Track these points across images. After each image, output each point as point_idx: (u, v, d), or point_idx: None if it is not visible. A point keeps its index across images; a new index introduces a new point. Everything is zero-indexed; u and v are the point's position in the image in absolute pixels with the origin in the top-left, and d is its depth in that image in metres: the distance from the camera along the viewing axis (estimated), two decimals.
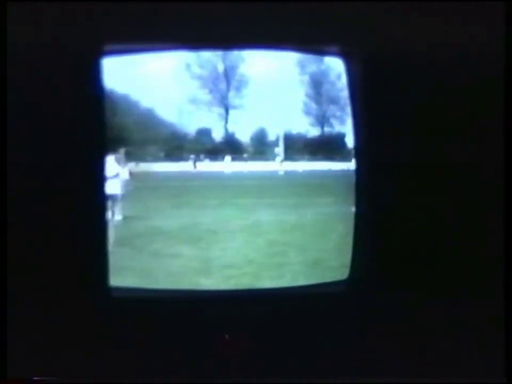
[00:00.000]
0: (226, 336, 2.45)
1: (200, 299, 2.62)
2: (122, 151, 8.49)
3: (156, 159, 12.69)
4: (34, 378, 2.22)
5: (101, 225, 2.39)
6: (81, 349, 2.35)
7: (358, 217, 2.53)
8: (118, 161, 7.89)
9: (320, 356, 2.43)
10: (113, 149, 8.03)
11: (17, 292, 2.26)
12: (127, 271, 5.10)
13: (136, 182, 9.40)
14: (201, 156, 13.28)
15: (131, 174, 9.19)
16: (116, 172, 7.67)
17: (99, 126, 2.38)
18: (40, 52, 2.26)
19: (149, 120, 12.54)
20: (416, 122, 2.40)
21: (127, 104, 11.68)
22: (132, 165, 9.99)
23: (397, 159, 2.41)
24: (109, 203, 6.49)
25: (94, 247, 2.37)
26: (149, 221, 8.15)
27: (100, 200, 2.39)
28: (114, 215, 7.59)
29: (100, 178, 2.39)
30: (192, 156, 13.23)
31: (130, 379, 2.36)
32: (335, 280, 2.61)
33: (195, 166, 13.28)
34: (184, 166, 13.13)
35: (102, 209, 2.39)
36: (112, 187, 7.09)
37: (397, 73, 2.38)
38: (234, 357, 2.41)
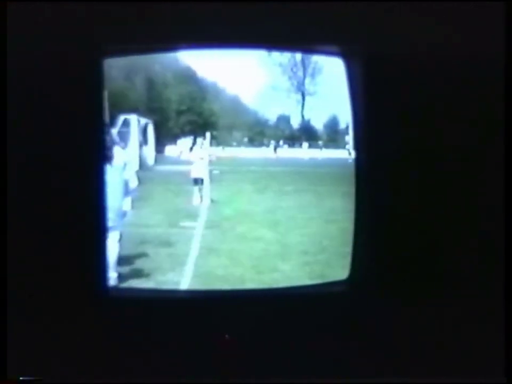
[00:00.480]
0: (226, 336, 2.45)
1: (200, 299, 2.62)
2: (208, 135, 9.43)
3: (240, 144, 12.97)
4: (34, 378, 2.22)
5: (101, 225, 2.39)
6: (81, 349, 2.35)
7: (358, 217, 2.53)
8: (202, 145, 8.78)
9: (320, 356, 2.43)
10: (202, 133, 9.65)
11: (16, 292, 2.26)
12: (215, 252, 5.80)
13: (222, 166, 10.13)
14: (281, 142, 13.17)
15: (217, 158, 10.02)
16: (201, 156, 8.54)
17: (99, 125, 2.38)
18: (40, 53, 2.26)
19: (234, 106, 12.92)
20: (416, 121, 2.40)
21: (215, 91, 12.46)
22: (218, 149, 11.31)
23: (397, 157, 2.41)
24: (197, 187, 8.36)
25: (94, 246, 2.37)
26: (234, 205, 8.46)
27: (99, 200, 2.38)
28: (203, 199, 8.34)
29: (100, 178, 2.39)
30: (272, 142, 13.19)
31: (130, 379, 2.36)
32: (335, 280, 2.61)
33: (275, 152, 13.18)
34: (266, 152, 13.16)
35: (102, 209, 2.39)
36: (198, 171, 8.42)
37: (397, 73, 2.38)
38: (234, 357, 2.41)
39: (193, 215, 7.55)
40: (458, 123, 2.41)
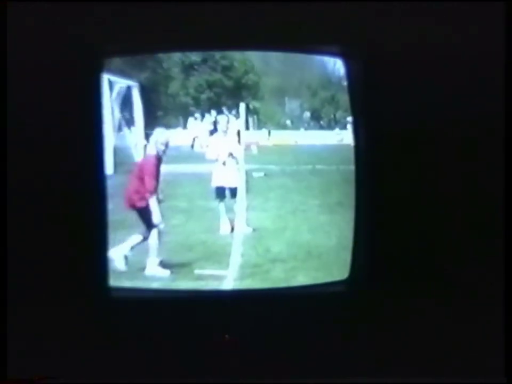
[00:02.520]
0: (226, 336, 2.45)
1: (200, 299, 2.62)
2: (242, 108, 4.62)
3: (299, 122, 6.65)
4: (34, 378, 2.22)
5: (101, 225, 2.39)
6: (81, 349, 2.36)
7: (358, 217, 2.53)
8: (229, 128, 4.74)
9: (320, 356, 2.43)
10: (230, 106, 5.19)
11: (17, 292, 2.26)
12: None
13: (269, 165, 5.75)
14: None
15: (259, 149, 5.50)
16: (230, 149, 4.69)
17: (99, 125, 2.38)
18: (40, 53, 2.26)
19: (285, 56, 10.24)
20: (416, 121, 2.40)
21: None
22: (260, 135, 5.79)
23: (397, 157, 2.41)
24: (223, 204, 4.62)
25: (94, 247, 2.37)
26: (291, 235, 4.66)
27: (100, 201, 2.38)
28: (235, 224, 4.61)
29: (101, 178, 2.39)
30: (349, 119, 12.20)
31: (130, 379, 2.36)
32: (335, 280, 2.61)
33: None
34: (341, 135, 11.23)
35: (102, 210, 2.39)
36: (225, 175, 4.64)
37: (397, 72, 2.38)
38: (234, 357, 2.41)
39: (218, 256, 4.08)
40: (458, 123, 2.41)
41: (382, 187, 2.44)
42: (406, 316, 2.45)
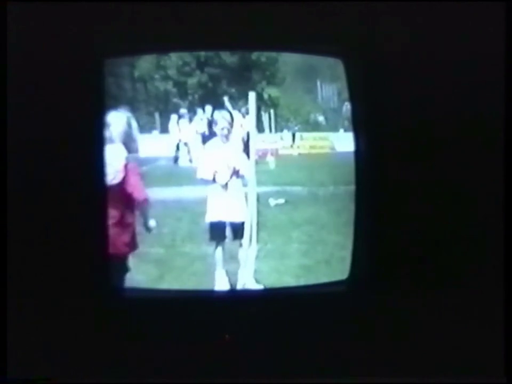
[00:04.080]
0: (226, 336, 2.45)
1: (200, 299, 2.62)
2: (251, 99, 2.99)
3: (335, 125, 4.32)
4: (34, 378, 2.22)
5: (103, 225, 2.39)
6: (82, 349, 2.36)
7: (358, 217, 2.53)
8: (230, 128, 3.16)
9: (320, 356, 2.43)
10: (237, 98, 3.40)
11: (18, 291, 2.26)
12: None
13: (292, 186, 3.95)
14: None
15: (276, 158, 3.95)
16: (228, 160, 3.16)
17: (99, 126, 2.38)
18: (40, 53, 2.26)
19: None
20: (416, 121, 2.40)
21: None
22: (274, 138, 3.97)
23: (397, 157, 2.41)
24: (220, 248, 3.14)
25: (96, 246, 2.37)
26: None
27: (101, 200, 2.38)
28: (240, 279, 3.10)
29: (101, 178, 2.39)
30: None
31: (130, 379, 2.36)
32: (335, 280, 2.61)
33: None
34: None
35: (103, 209, 2.39)
36: (223, 203, 3.15)
37: (397, 73, 2.38)
38: (234, 357, 2.41)
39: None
40: (458, 123, 2.41)
41: (382, 187, 2.44)
42: (406, 316, 2.45)
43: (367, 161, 2.47)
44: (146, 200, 2.72)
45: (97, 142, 2.37)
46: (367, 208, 2.49)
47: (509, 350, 2.23)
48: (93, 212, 2.34)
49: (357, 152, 2.52)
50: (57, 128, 2.30)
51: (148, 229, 2.77)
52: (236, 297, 2.73)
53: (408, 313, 2.45)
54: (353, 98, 2.52)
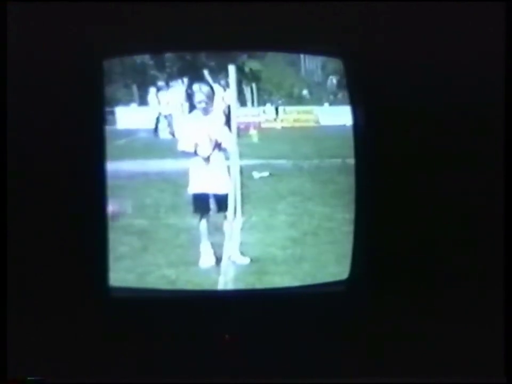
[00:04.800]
0: (226, 336, 2.45)
1: (200, 299, 2.62)
2: (231, 71, 3.01)
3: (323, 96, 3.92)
4: (34, 378, 2.22)
5: (102, 224, 2.39)
6: (81, 349, 2.36)
7: (358, 218, 2.53)
8: (211, 100, 3.14)
9: (320, 356, 2.43)
10: (217, 70, 3.23)
11: (17, 292, 2.26)
12: None
13: (276, 160, 3.87)
14: None
15: (259, 131, 3.82)
16: (210, 133, 3.14)
17: (99, 126, 2.38)
18: (40, 53, 2.26)
19: None
20: (416, 121, 2.40)
21: None
22: (257, 111, 3.81)
23: (397, 157, 2.41)
24: (204, 220, 3.13)
25: (94, 246, 2.37)
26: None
27: (100, 199, 2.38)
28: (224, 252, 3.08)
29: (101, 178, 2.39)
30: None
31: (130, 379, 2.36)
32: (335, 280, 2.61)
33: None
34: None
35: (102, 208, 2.39)
36: (206, 176, 3.11)
37: (397, 73, 2.38)
38: (234, 357, 2.41)
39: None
40: (458, 123, 2.41)
41: (381, 187, 2.44)
42: (405, 316, 2.45)
43: (368, 161, 2.47)
44: None
45: (97, 141, 2.37)
46: (366, 209, 2.49)
47: (509, 350, 2.23)
48: (92, 212, 2.34)
49: (357, 150, 2.52)
50: (56, 128, 2.30)
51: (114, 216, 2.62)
52: (235, 297, 2.73)
53: (408, 313, 2.44)
54: (353, 98, 2.52)
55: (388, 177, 2.43)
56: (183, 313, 2.44)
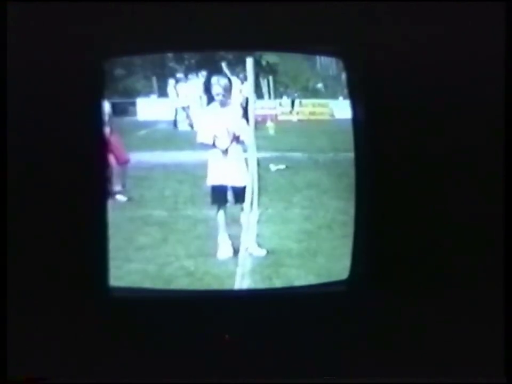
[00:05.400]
0: (226, 336, 2.45)
1: (200, 299, 2.62)
2: (249, 64, 2.97)
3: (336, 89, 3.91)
4: (34, 378, 2.22)
5: (101, 224, 2.39)
6: (81, 349, 2.36)
7: (358, 218, 2.53)
8: (229, 95, 3.20)
9: (320, 356, 2.43)
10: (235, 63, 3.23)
11: (17, 291, 2.26)
12: None
13: (293, 152, 3.87)
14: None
15: (276, 124, 3.86)
16: (228, 125, 3.18)
17: (99, 126, 2.39)
18: (40, 53, 2.26)
19: None
20: (416, 121, 2.40)
21: None
22: (281, 105, 3.88)
23: (397, 157, 2.41)
24: (222, 212, 3.17)
25: (94, 246, 2.37)
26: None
27: (100, 199, 2.39)
28: (242, 244, 3.05)
29: (100, 178, 2.39)
30: None
31: (130, 379, 2.36)
32: (335, 280, 2.61)
33: None
34: None
35: (102, 208, 2.39)
36: (224, 168, 3.17)
37: (397, 73, 2.38)
38: (234, 357, 2.41)
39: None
40: (458, 123, 2.42)
41: (382, 187, 2.44)
42: (406, 316, 2.45)
43: (368, 161, 2.47)
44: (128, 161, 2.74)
45: (96, 142, 2.37)
46: (367, 209, 2.49)
47: (509, 350, 2.23)
48: (93, 212, 2.34)
49: (357, 150, 2.52)
50: (56, 127, 2.30)
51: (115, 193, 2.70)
52: (235, 297, 2.73)
53: (408, 313, 2.45)
54: (353, 98, 2.52)
55: (388, 177, 2.43)
56: (183, 313, 2.44)
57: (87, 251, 2.33)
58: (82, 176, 2.32)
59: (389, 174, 2.43)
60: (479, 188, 2.45)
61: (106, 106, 2.58)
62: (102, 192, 2.40)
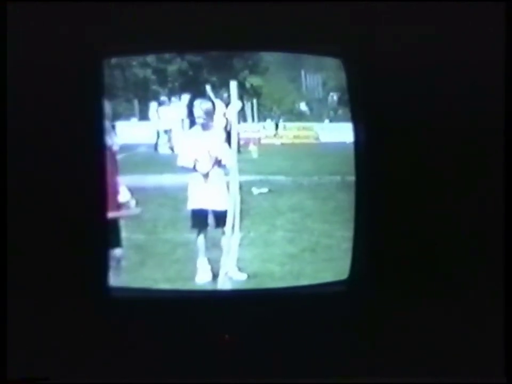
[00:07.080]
0: (226, 336, 2.45)
1: (200, 299, 2.62)
2: (232, 87, 2.99)
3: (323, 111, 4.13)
4: (33, 378, 2.22)
5: (101, 225, 2.39)
6: (81, 349, 2.36)
7: (358, 218, 2.53)
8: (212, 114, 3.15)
9: (320, 356, 2.43)
10: (218, 84, 3.24)
11: (17, 292, 2.26)
12: None
13: (275, 176, 3.80)
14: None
15: (258, 147, 3.82)
16: (209, 148, 3.16)
17: (98, 126, 2.38)
18: (39, 53, 2.26)
19: None
20: (416, 122, 2.40)
21: None
22: (257, 127, 3.84)
23: (397, 158, 2.41)
24: (202, 236, 3.15)
25: (94, 246, 2.37)
26: None
27: (100, 199, 2.38)
28: (222, 268, 3.04)
29: (100, 179, 2.39)
30: None
31: (130, 379, 2.36)
32: (335, 280, 2.61)
33: None
34: None
35: (102, 208, 2.39)
36: (205, 192, 3.14)
37: (397, 73, 2.38)
38: (234, 357, 2.41)
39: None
40: (458, 124, 2.41)
41: (382, 187, 2.44)
42: (406, 316, 2.45)
43: (367, 159, 2.47)
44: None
45: (97, 142, 2.37)
46: (367, 209, 2.49)
47: (509, 350, 2.23)
48: (92, 212, 2.34)
49: (357, 150, 2.52)
50: (56, 127, 2.30)
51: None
52: (236, 297, 2.73)
53: (408, 313, 2.44)
54: (352, 98, 2.52)
55: (387, 177, 2.43)
56: (183, 313, 2.44)
57: (87, 251, 2.33)
58: (83, 175, 2.32)
59: (389, 174, 2.43)
60: (479, 188, 2.45)
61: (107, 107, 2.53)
62: (102, 192, 2.39)
